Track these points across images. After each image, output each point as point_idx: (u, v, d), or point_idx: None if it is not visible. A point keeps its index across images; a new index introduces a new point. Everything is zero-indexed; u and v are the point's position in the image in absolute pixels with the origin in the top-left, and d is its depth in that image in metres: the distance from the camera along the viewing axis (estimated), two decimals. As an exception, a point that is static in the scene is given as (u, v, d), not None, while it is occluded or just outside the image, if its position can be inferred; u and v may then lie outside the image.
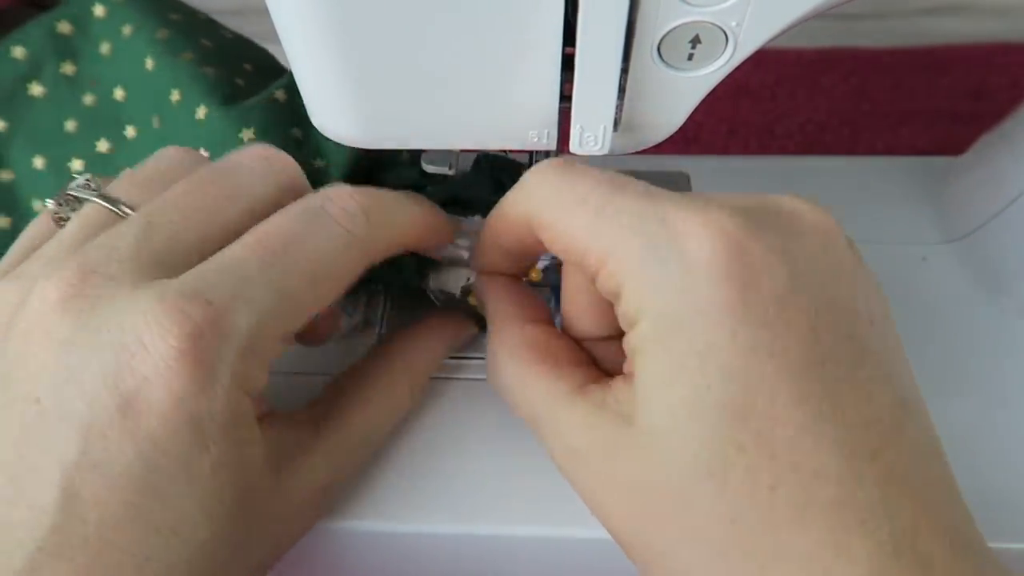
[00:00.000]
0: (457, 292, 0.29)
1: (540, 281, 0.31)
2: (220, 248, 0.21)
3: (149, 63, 0.32)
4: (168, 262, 0.20)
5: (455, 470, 0.27)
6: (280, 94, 0.30)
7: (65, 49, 0.34)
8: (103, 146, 0.34)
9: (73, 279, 0.19)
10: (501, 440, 0.28)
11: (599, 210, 0.20)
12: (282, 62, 0.28)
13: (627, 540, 0.20)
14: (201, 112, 0.30)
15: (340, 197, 0.22)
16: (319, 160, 0.29)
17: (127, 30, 0.33)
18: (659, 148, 0.24)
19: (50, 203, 0.22)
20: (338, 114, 0.24)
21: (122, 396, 0.19)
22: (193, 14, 0.34)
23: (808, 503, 0.17)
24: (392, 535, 0.27)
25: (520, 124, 0.23)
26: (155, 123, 0.32)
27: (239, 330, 0.20)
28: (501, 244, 0.24)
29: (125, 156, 0.34)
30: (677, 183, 0.36)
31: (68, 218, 0.22)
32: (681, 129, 0.24)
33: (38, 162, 0.34)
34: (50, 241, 0.22)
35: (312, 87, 0.23)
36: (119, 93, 0.33)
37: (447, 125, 0.23)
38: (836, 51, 0.53)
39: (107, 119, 0.34)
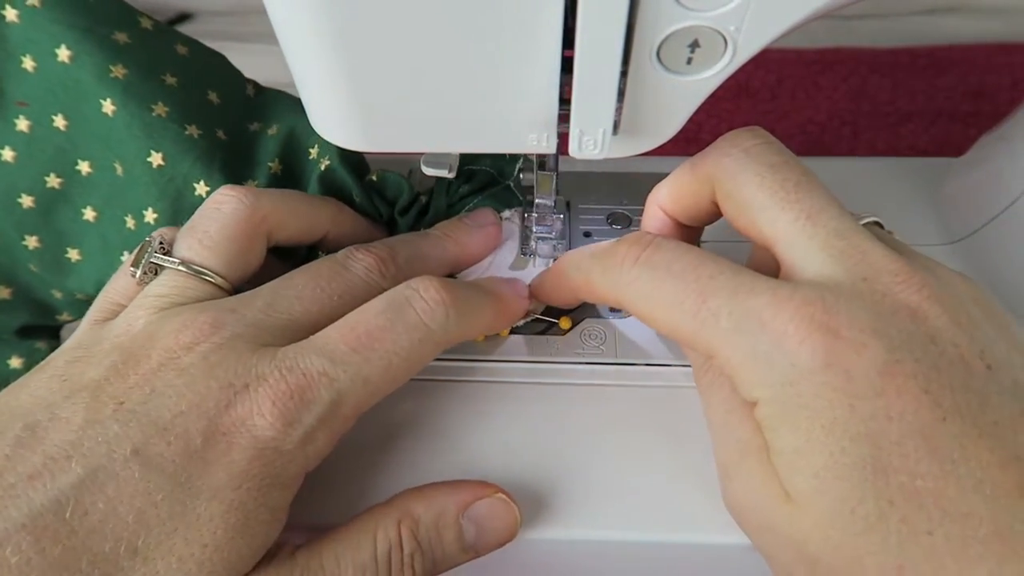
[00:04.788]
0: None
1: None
2: (322, 325, 0.24)
3: (108, 107, 0.29)
4: (280, 334, 0.24)
5: (454, 471, 0.27)
6: (275, 165, 0.30)
7: None
8: (54, 181, 0.31)
9: (206, 328, 0.23)
10: (500, 440, 0.28)
11: (695, 314, 0.22)
12: (280, 64, 0.28)
13: None
14: (202, 188, 0.30)
15: (427, 290, 0.25)
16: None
17: (64, 54, 0.29)
18: (659, 149, 0.24)
19: (135, 270, 0.26)
20: (338, 118, 0.24)
21: (210, 420, 0.22)
22: (136, 25, 0.30)
23: (967, 541, 0.18)
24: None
25: (519, 127, 0.23)
26: (118, 169, 0.30)
27: (322, 401, 0.23)
28: (566, 294, 0.28)
29: (80, 192, 0.32)
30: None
31: (147, 273, 0.26)
32: (681, 129, 0.24)
33: None
34: (144, 296, 0.25)
35: (312, 91, 0.23)
36: (60, 122, 0.30)
37: (446, 128, 0.23)
38: (836, 51, 0.53)
39: (49, 149, 0.31)
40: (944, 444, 0.19)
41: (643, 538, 0.26)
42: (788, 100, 0.51)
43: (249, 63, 0.35)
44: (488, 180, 0.33)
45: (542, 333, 0.31)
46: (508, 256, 0.32)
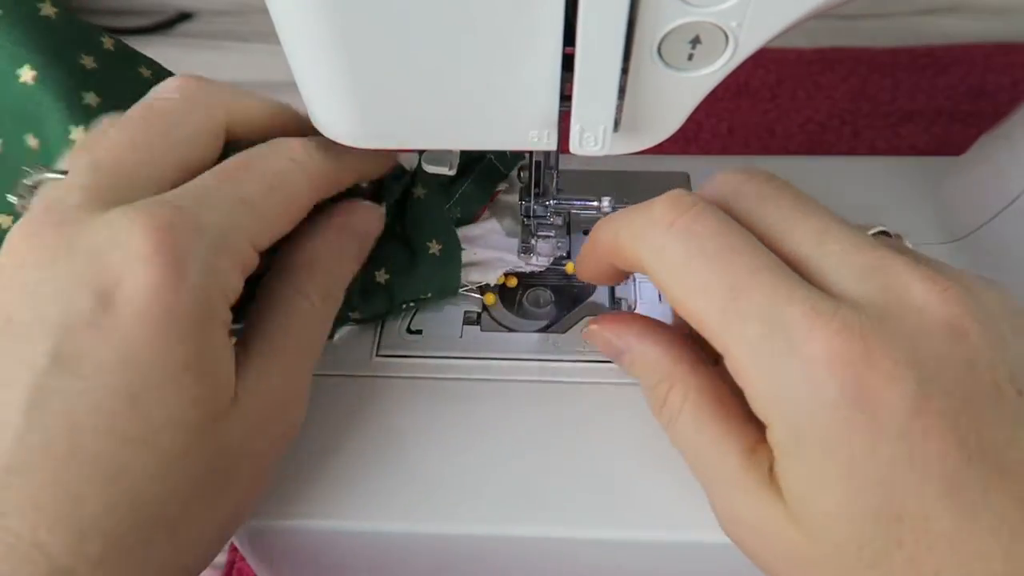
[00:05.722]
0: (493, 281, 0.31)
1: (516, 286, 0.32)
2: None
3: (78, 134, 0.26)
4: (122, 194, 0.21)
5: (454, 470, 0.27)
6: None
7: None
8: None
9: (38, 215, 0.20)
10: (500, 440, 0.28)
11: (723, 309, 0.20)
12: (280, 63, 0.27)
13: None
14: None
15: (286, 141, 0.24)
16: None
17: (27, 75, 0.26)
18: (659, 148, 0.24)
19: (13, 198, 0.23)
20: (338, 114, 0.24)
21: (97, 295, 0.19)
22: (100, 47, 0.28)
23: None
24: (390, 535, 0.27)
25: (520, 124, 0.23)
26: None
27: (207, 225, 0.21)
28: (610, 262, 0.24)
29: None
30: (677, 183, 0.36)
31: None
32: (681, 129, 0.24)
33: None
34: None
35: (313, 89, 0.23)
36: (32, 142, 0.27)
37: (447, 125, 0.23)
38: (836, 51, 0.53)
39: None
40: (966, 487, 0.18)
41: (646, 537, 0.26)
42: (788, 100, 0.51)
43: (249, 63, 0.35)
44: (467, 161, 0.32)
45: (544, 331, 0.31)
46: (508, 254, 0.32)
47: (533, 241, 0.32)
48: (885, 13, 0.54)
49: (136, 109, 0.24)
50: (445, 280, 0.31)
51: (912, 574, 0.18)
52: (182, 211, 0.20)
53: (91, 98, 0.27)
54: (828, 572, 0.20)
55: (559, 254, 0.32)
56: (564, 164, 0.33)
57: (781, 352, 0.19)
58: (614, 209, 0.34)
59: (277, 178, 0.23)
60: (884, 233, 0.23)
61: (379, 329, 0.31)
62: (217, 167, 0.23)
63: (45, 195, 0.21)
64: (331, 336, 0.30)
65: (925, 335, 0.19)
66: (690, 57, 0.21)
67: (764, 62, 0.53)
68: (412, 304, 0.31)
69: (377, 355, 0.30)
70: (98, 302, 0.19)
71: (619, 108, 0.22)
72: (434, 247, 0.30)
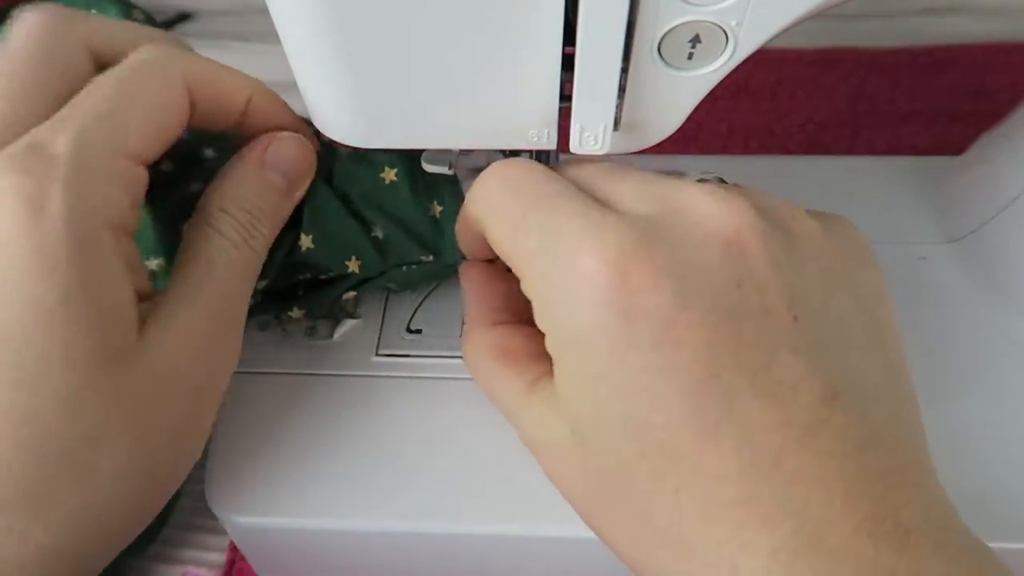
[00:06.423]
0: None
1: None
2: None
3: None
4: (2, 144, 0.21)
5: (454, 470, 0.27)
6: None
7: None
8: None
9: None
10: (500, 439, 0.28)
11: (515, 226, 0.21)
12: (281, 63, 0.27)
13: (585, 520, 0.22)
14: None
15: (143, 48, 0.24)
16: None
17: None
18: (659, 148, 0.24)
19: None
20: (339, 115, 0.24)
21: None
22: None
23: (711, 502, 0.18)
24: (390, 535, 0.27)
25: (520, 124, 0.23)
26: None
27: (63, 153, 0.20)
28: (468, 235, 0.26)
29: None
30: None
31: None
32: (681, 129, 0.24)
33: None
34: None
35: (313, 88, 0.23)
36: None
37: (447, 125, 0.23)
38: (836, 51, 0.53)
39: None
40: (712, 403, 0.18)
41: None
42: (788, 100, 0.51)
43: (250, 63, 0.35)
44: None
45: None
46: None
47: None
48: (885, 13, 0.54)
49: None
50: (443, 245, 0.29)
51: (655, 488, 0.19)
52: (35, 146, 0.21)
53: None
54: (594, 484, 0.20)
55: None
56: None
57: (554, 259, 0.20)
58: None
59: (135, 78, 0.23)
60: (722, 181, 0.23)
61: (379, 329, 0.31)
62: (79, 93, 0.22)
63: None
64: (331, 335, 0.31)
65: (696, 247, 0.19)
66: (690, 56, 0.21)
67: (764, 62, 0.53)
68: (413, 266, 0.30)
69: (377, 355, 0.30)
70: None
71: (619, 107, 0.22)
72: (435, 209, 0.29)
